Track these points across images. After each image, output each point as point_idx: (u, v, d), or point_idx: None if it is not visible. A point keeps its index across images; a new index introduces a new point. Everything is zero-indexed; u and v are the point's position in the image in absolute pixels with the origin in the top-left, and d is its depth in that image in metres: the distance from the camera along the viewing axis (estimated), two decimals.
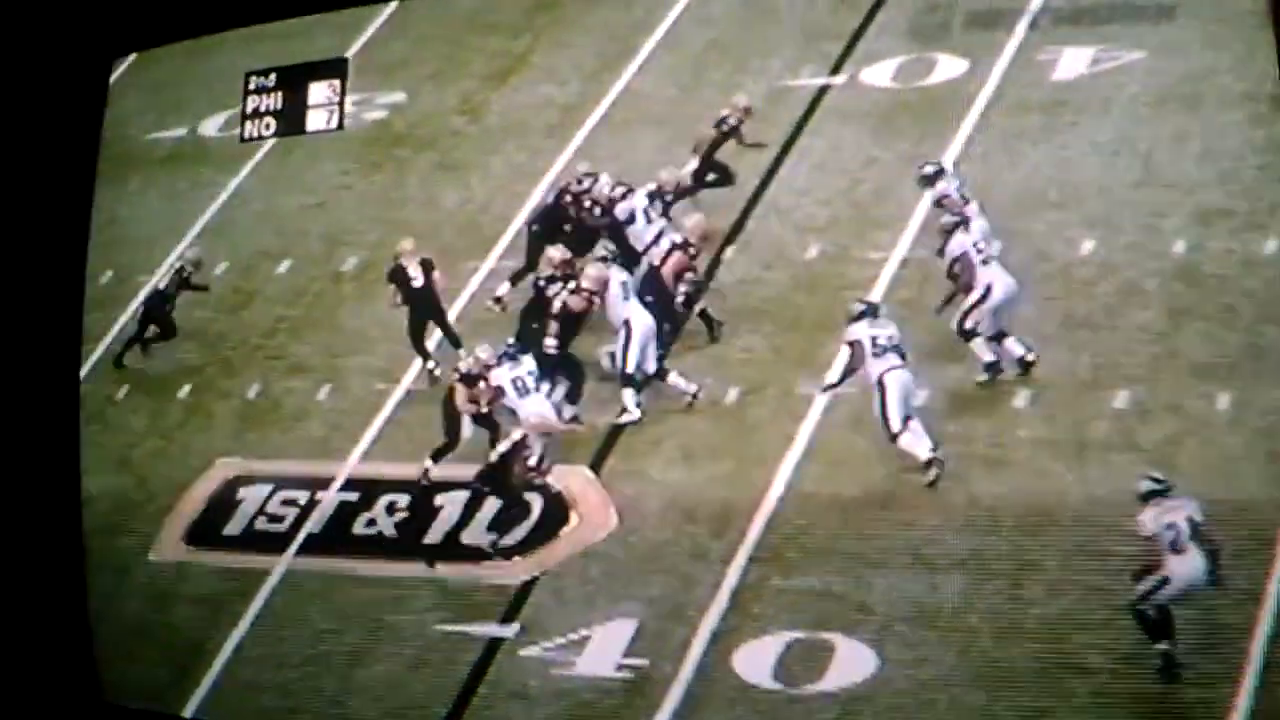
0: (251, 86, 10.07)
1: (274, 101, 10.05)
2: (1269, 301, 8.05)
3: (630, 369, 9.10)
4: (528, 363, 9.13)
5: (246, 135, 10.16)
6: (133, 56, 10.76)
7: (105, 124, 10.39)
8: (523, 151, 10.24)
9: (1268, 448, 7.64)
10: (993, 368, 8.56)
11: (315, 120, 10.00)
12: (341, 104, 9.97)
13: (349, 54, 10.41)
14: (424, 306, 9.77)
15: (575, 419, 9.17)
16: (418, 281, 9.71)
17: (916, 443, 8.34)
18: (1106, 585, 7.57)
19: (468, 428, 9.21)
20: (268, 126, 10.08)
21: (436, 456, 9.23)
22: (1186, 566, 7.41)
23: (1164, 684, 7.28)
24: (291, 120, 10.04)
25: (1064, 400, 8.21)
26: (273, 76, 10.04)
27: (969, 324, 8.65)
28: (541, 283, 9.45)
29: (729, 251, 9.66)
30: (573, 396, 9.26)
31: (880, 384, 8.41)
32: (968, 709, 7.50)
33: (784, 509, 8.34)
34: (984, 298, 8.63)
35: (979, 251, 8.67)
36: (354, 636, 8.87)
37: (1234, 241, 8.34)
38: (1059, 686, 7.44)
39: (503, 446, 8.91)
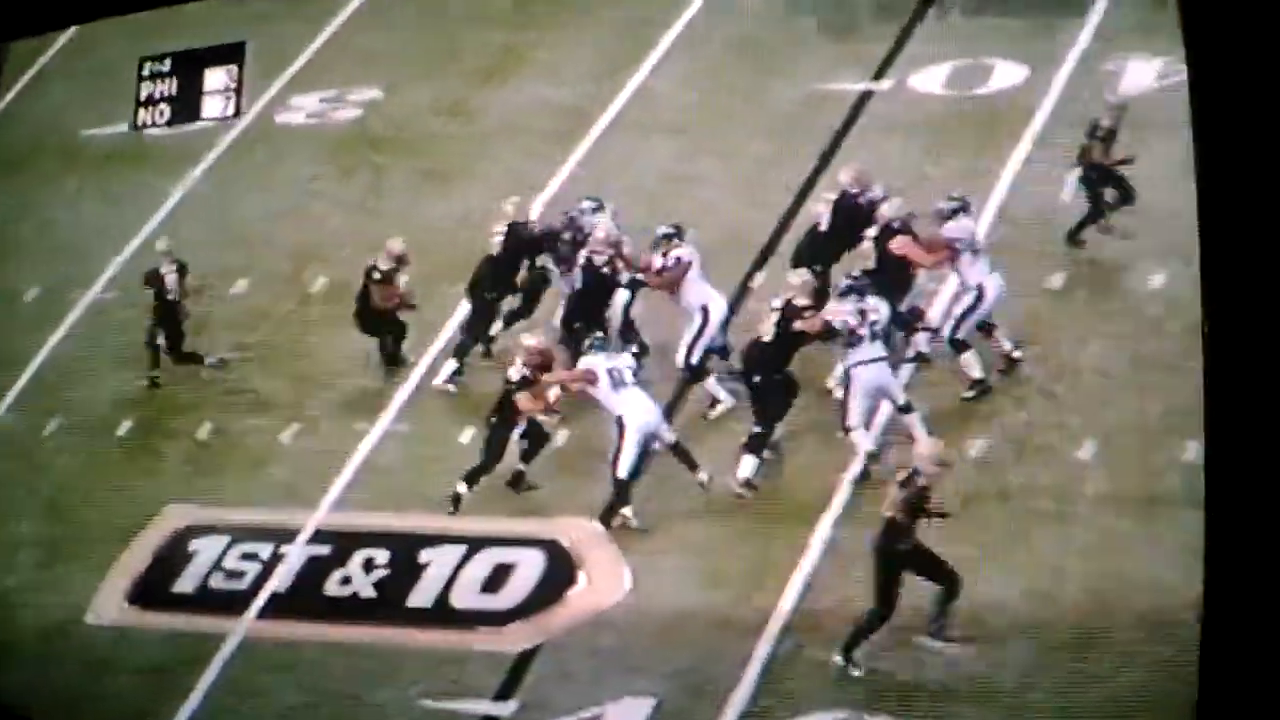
0: (146, 72, 10.14)
1: (168, 87, 10.03)
2: None
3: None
4: (625, 358, 8.69)
5: (139, 123, 10.00)
6: (71, 33, 10.40)
7: (35, 115, 10.23)
8: (519, 158, 9.85)
9: None
10: (980, 384, 8.38)
11: (211, 107, 9.91)
12: (239, 90, 9.85)
13: (318, 41, 10.19)
14: (170, 320, 9.54)
15: None
16: (172, 294, 9.57)
17: (867, 440, 8.28)
18: (1176, 657, 7.21)
19: (516, 440, 8.82)
20: (161, 114, 9.98)
21: (472, 479, 8.83)
22: None
23: None
24: (187, 107, 9.91)
25: (1132, 451, 7.89)
26: (167, 62, 9.99)
27: (962, 333, 8.43)
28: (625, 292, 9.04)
29: (759, 277, 9.27)
30: None
31: (847, 376, 8.25)
32: None
33: (822, 571, 7.93)
34: (978, 301, 8.44)
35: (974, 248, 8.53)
36: (326, 714, 8.37)
37: None
38: None
39: (898, 492, 7.78)
